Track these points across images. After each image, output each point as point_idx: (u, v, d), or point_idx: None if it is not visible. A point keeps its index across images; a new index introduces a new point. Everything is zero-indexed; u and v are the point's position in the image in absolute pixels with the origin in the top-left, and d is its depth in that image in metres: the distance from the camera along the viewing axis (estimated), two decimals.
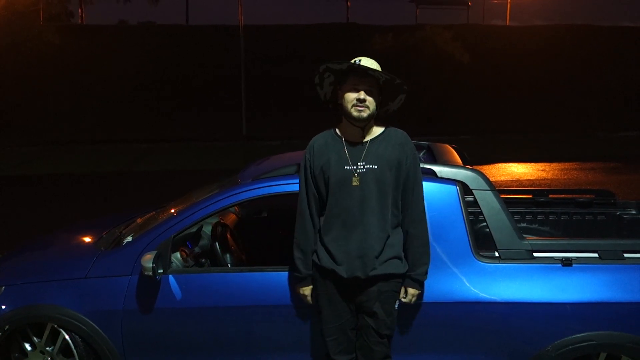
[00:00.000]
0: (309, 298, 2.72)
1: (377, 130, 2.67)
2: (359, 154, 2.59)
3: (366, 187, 2.55)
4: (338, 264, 2.57)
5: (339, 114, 2.69)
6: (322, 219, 2.65)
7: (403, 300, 2.67)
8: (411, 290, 2.65)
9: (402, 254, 2.64)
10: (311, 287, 2.71)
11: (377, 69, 2.57)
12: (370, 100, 2.55)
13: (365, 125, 2.60)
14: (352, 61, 2.59)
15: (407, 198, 2.62)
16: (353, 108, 2.55)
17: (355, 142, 2.63)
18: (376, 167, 2.56)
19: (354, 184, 2.55)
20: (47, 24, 19.94)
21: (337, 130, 2.70)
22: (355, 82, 2.56)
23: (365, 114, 2.54)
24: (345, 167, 2.58)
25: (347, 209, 2.55)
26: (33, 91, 18.83)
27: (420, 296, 2.71)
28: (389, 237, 2.58)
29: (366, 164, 2.57)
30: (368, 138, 2.63)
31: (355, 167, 2.57)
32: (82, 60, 20.20)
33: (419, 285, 2.67)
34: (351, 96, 2.56)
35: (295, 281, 2.75)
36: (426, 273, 2.68)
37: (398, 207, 2.62)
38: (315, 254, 2.68)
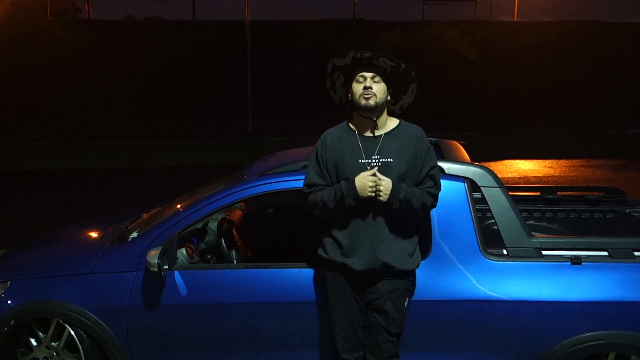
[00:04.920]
0: (370, 180, 2.44)
1: (391, 124, 2.64)
2: (374, 148, 2.57)
3: None
4: (349, 256, 2.55)
5: (353, 114, 2.66)
6: None
7: (370, 171, 2.45)
8: (386, 183, 2.44)
9: (415, 250, 2.62)
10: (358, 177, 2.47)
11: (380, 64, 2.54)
12: (377, 88, 2.52)
13: (375, 116, 2.57)
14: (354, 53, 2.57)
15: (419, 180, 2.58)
16: (361, 97, 2.52)
17: (369, 136, 2.60)
18: (392, 160, 2.53)
19: None
20: (54, 19, 19.96)
21: (349, 124, 2.68)
22: (361, 72, 2.55)
23: (372, 102, 2.51)
24: (359, 160, 2.55)
25: (360, 203, 2.52)
26: (40, 87, 18.89)
27: (386, 189, 2.45)
28: (402, 230, 2.56)
29: (381, 158, 2.54)
30: (382, 132, 2.61)
31: (369, 161, 2.54)
32: (89, 55, 20.23)
33: (394, 189, 2.45)
34: (358, 87, 2.54)
35: (350, 197, 2.47)
36: (400, 200, 2.46)
37: None
38: (321, 249, 2.65)
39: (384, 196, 2.45)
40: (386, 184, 2.45)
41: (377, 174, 2.47)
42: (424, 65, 18.10)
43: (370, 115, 2.56)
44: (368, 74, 2.53)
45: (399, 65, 2.53)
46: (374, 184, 2.46)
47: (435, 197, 2.59)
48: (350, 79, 2.61)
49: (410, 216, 2.55)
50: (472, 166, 2.93)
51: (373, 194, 2.47)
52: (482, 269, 2.75)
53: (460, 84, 19.83)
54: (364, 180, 2.47)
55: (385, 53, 2.59)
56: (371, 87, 2.51)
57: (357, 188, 2.47)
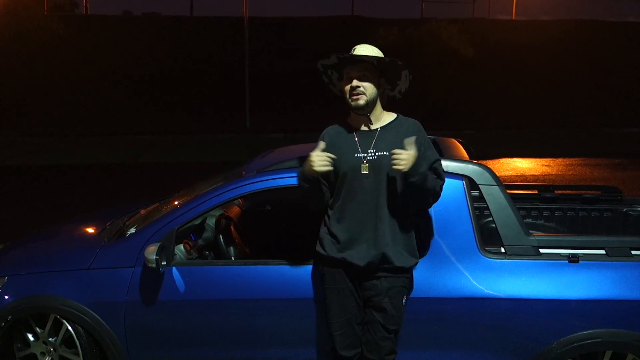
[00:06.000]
0: (316, 158, 2.46)
1: (388, 118, 2.65)
2: (370, 142, 2.58)
3: (377, 174, 2.53)
4: (348, 251, 2.55)
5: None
6: (332, 209, 2.62)
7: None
8: (412, 152, 2.37)
9: (413, 247, 2.62)
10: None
11: (370, 52, 2.54)
12: (365, 86, 2.53)
13: (368, 112, 2.59)
14: (350, 51, 2.57)
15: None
16: (350, 98, 2.54)
17: (366, 130, 2.61)
18: (387, 153, 2.52)
19: (364, 171, 2.53)
20: (51, 14, 19.88)
21: (347, 119, 2.70)
22: (348, 71, 2.55)
23: (361, 101, 2.52)
24: (355, 155, 2.57)
25: (358, 197, 2.54)
26: (37, 81, 18.82)
27: (407, 161, 2.38)
28: (400, 226, 2.56)
29: (377, 151, 2.55)
30: (378, 125, 2.62)
31: (365, 155, 2.55)
32: (87, 50, 20.15)
33: (417, 163, 2.39)
34: (346, 87, 2.55)
35: (301, 178, 2.57)
36: (420, 174, 2.42)
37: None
38: (319, 245, 2.65)
39: (404, 165, 2.36)
40: (407, 155, 2.37)
41: (409, 145, 2.38)
42: (423, 63, 18.07)
43: (363, 112, 2.58)
44: (355, 73, 2.53)
45: (383, 59, 2.53)
46: (320, 159, 2.44)
47: (440, 188, 2.59)
48: (342, 75, 2.62)
49: (420, 198, 2.51)
50: (470, 164, 2.94)
51: (322, 169, 2.45)
52: (479, 266, 2.76)
53: (458, 83, 19.81)
54: (309, 158, 2.46)
55: (384, 53, 2.58)
56: (359, 87, 2.52)
57: (304, 167, 2.50)
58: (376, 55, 2.55)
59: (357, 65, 2.53)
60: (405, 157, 2.37)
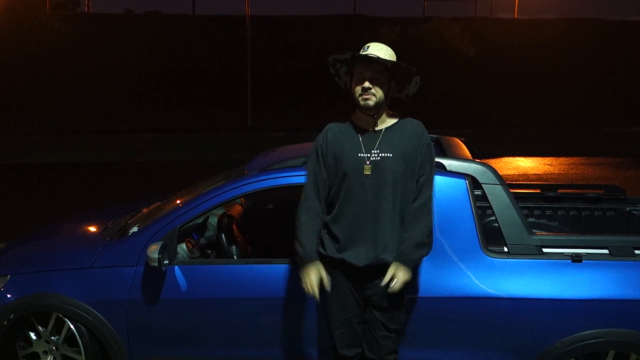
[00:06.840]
0: (309, 285, 2.51)
1: (392, 119, 2.63)
2: (373, 142, 2.56)
3: (379, 175, 2.51)
4: (347, 252, 2.54)
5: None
6: (333, 207, 2.60)
7: (390, 287, 2.44)
8: (400, 275, 2.45)
9: None
10: (314, 271, 2.53)
11: (384, 53, 2.52)
12: (377, 88, 2.51)
13: (376, 113, 2.57)
14: (362, 48, 2.55)
15: (416, 186, 2.57)
16: (360, 97, 2.52)
17: (370, 130, 2.59)
18: (391, 155, 2.52)
19: (366, 172, 2.51)
20: (53, 12, 19.90)
21: (352, 118, 2.68)
22: (360, 70, 2.53)
23: (371, 102, 2.51)
24: (358, 154, 2.54)
25: (358, 198, 2.52)
26: (38, 80, 18.83)
27: (407, 285, 2.51)
28: (400, 228, 2.54)
29: (380, 152, 2.53)
30: (382, 126, 2.60)
31: (368, 155, 2.53)
32: (88, 49, 20.16)
33: (408, 271, 2.48)
34: (357, 87, 2.53)
35: (300, 267, 2.57)
36: (417, 261, 2.55)
37: (410, 197, 2.56)
38: (320, 244, 2.65)
39: (400, 284, 2.46)
40: (398, 283, 2.45)
41: (391, 277, 2.46)
42: (425, 62, 18.05)
43: (371, 112, 2.56)
44: (368, 74, 2.50)
45: (399, 64, 2.52)
46: (306, 288, 2.53)
47: (430, 204, 2.56)
48: (352, 71, 2.59)
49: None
50: (473, 163, 2.93)
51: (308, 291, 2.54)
52: (482, 266, 2.75)
53: (460, 81, 19.79)
54: (304, 277, 2.54)
55: (387, 52, 2.55)
56: (370, 88, 2.50)
57: (302, 273, 2.55)
58: (390, 56, 2.53)
59: (370, 66, 2.50)
60: (398, 287, 2.46)
